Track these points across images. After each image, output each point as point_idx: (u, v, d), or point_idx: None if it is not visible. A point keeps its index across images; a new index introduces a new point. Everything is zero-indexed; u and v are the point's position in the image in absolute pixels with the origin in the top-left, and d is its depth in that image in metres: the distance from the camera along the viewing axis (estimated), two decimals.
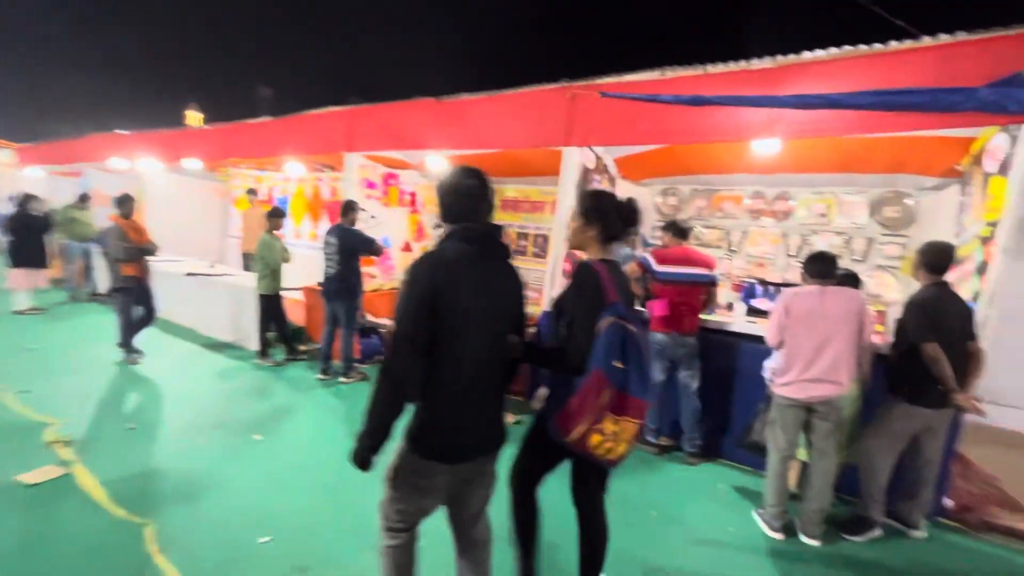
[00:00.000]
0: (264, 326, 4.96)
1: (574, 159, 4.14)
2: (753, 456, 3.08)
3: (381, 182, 5.83)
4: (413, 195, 6.32)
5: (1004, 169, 2.85)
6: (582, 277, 1.63)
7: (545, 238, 7.36)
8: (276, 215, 4.99)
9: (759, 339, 3.40)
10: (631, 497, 2.93)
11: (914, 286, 2.81)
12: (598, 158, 4.51)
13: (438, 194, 1.50)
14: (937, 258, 2.64)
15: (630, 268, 3.45)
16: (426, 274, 1.34)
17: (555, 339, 1.67)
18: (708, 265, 3.38)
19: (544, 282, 4.25)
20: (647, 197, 6.25)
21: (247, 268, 6.79)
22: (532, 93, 4.28)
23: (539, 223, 7.40)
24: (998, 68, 2.54)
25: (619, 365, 1.49)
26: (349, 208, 4.58)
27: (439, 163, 5.21)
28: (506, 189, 7.56)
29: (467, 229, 1.44)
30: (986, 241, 2.91)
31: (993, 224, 2.87)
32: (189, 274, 6.06)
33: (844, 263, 5.19)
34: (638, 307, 3.63)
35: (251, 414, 3.76)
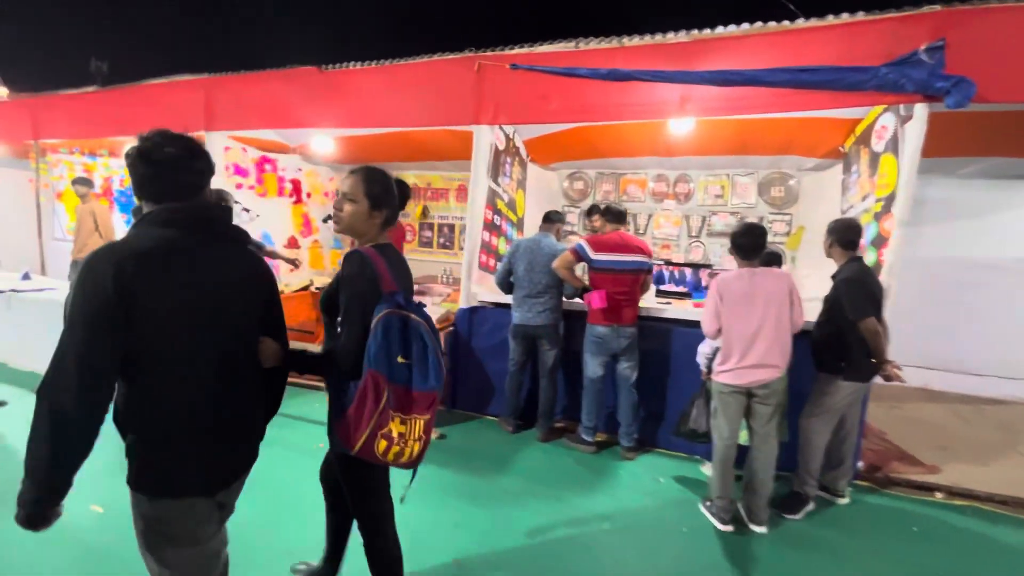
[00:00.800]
0: None
1: (485, 139, 3.76)
2: (689, 443, 3.02)
3: (254, 168, 4.93)
4: (296, 183, 5.47)
5: (891, 147, 3.03)
6: (353, 267, 1.45)
7: (451, 227, 6.90)
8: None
9: (691, 323, 3.35)
10: (579, 508, 2.68)
11: (804, 261, 2.89)
12: (508, 138, 4.17)
13: (126, 164, 1.19)
14: (848, 234, 2.70)
15: (564, 257, 3.18)
16: (106, 273, 1.04)
17: (328, 340, 1.53)
18: (644, 251, 3.22)
19: (462, 274, 3.84)
20: (555, 182, 6.08)
21: None
22: (434, 63, 3.80)
23: (443, 212, 6.92)
24: (897, 47, 2.64)
25: (403, 360, 1.38)
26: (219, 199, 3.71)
27: (325, 145, 4.50)
28: (405, 176, 6.94)
29: (170, 211, 1.16)
30: (879, 216, 3.09)
31: (884, 199, 3.05)
32: None
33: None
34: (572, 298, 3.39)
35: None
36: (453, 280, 6.36)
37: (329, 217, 6.42)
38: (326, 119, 4.20)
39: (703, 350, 2.89)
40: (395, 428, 1.37)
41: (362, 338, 1.38)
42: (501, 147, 4.03)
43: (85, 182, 5.73)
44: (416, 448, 1.43)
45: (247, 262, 1.30)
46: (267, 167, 5.03)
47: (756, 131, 4.34)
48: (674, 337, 3.40)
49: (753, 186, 5.42)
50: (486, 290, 3.93)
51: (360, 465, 1.47)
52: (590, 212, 4.73)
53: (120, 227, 6.46)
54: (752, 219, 5.42)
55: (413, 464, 1.46)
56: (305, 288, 4.87)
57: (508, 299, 3.69)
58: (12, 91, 6.36)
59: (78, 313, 1.04)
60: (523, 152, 4.72)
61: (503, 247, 4.32)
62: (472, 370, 3.86)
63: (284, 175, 5.30)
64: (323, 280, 5.07)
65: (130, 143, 1.18)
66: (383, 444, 1.36)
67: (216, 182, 4.16)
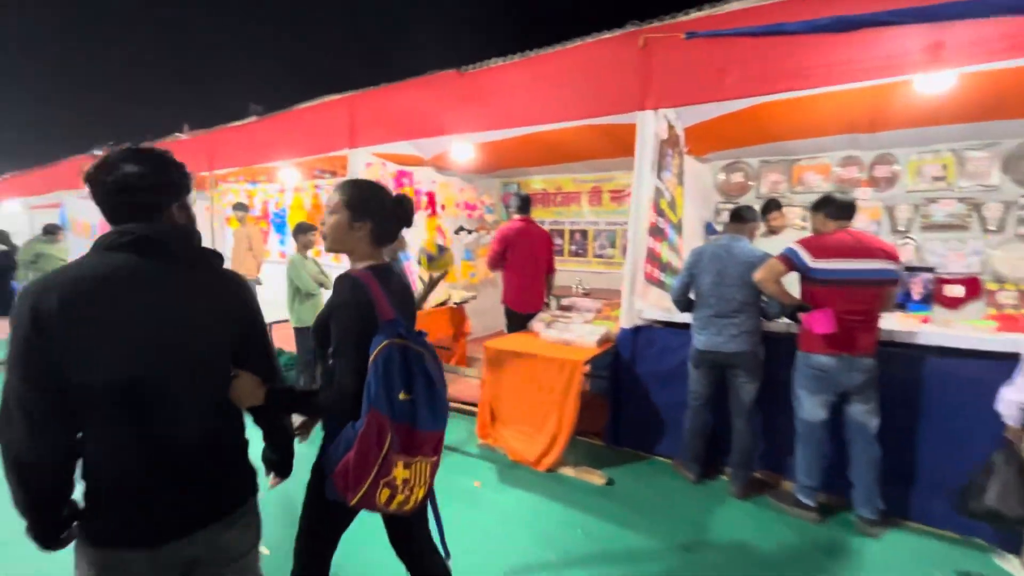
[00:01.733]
0: (299, 368, 3.99)
1: (650, 128, 3.17)
2: (972, 522, 2.13)
3: (393, 183, 4.88)
4: (431, 196, 5.37)
5: None
6: (343, 293, 1.31)
7: (583, 233, 6.39)
8: (303, 230, 4.01)
9: (956, 352, 2.43)
10: None
11: None
12: (671, 126, 3.53)
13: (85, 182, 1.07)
14: None
15: (770, 267, 2.48)
16: (23, 309, 0.94)
17: (322, 374, 1.41)
18: (890, 255, 2.39)
19: (623, 288, 3.28)
20: (707, 175, 5.26)
21: None
22: (587, 47, 3.31)
23: (575, 217, 6.43)
24: None
25: (404, 397, 1.24)
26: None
27: (462, 152, 4.25)
28: (531, 181, 6.60)
29: (118, 233, 1.03)
30: None
31: None
32: None
33: (972, 236, 4.22)
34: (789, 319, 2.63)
35: None
36: (584, 291, 5.83)
37: (461, 228, 6.31)
38: (466, 124, 3.93)
39: (1011, 397, 2.00)
40: (399, 474, 1.24)
41: (358, 372, 1.24)
42: (664, 136, 3.41)
43: (242, 207, 6.26)
44: (420, 494, 1.30)
45: (213, 289, 1.15)
46: (404, 181, 4.97)
47: (1000, 87, 3.15)
48: (930, 369, 2.49)
49: (994, 161, 4.10)
50: (650, 306, 3.33)
51: (338, 509, 1.32)
52: (767, 208, 3.90)
53: (275, 247, 7.02)
54: (993, 205, 4.11)
55: (415, 510, 1.34)
56: (442, 304, 4.69)
57: (682, 317, 3.06)
58: (191, 129, 7.19)
59: (10, 353, 0.96)
60: (682, 142, 4.05)
61: (666, 254, 3.68)
62: (637, 400, 3.27)
63: (420, 188, 5.21)
64: (461, 294, 4.87)
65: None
66: (386, 493, 1.23)
67: None
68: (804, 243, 2.49)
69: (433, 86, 4.03)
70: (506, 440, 3.20)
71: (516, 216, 4.12)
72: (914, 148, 4.37)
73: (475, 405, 4.02)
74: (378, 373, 1.20)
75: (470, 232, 6.06)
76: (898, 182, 4.47)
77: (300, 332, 3.91)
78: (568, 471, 3.02)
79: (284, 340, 4.91)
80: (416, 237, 5.38)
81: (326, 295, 4.37)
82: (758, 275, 2.50)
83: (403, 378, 1.24)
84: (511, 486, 2.92)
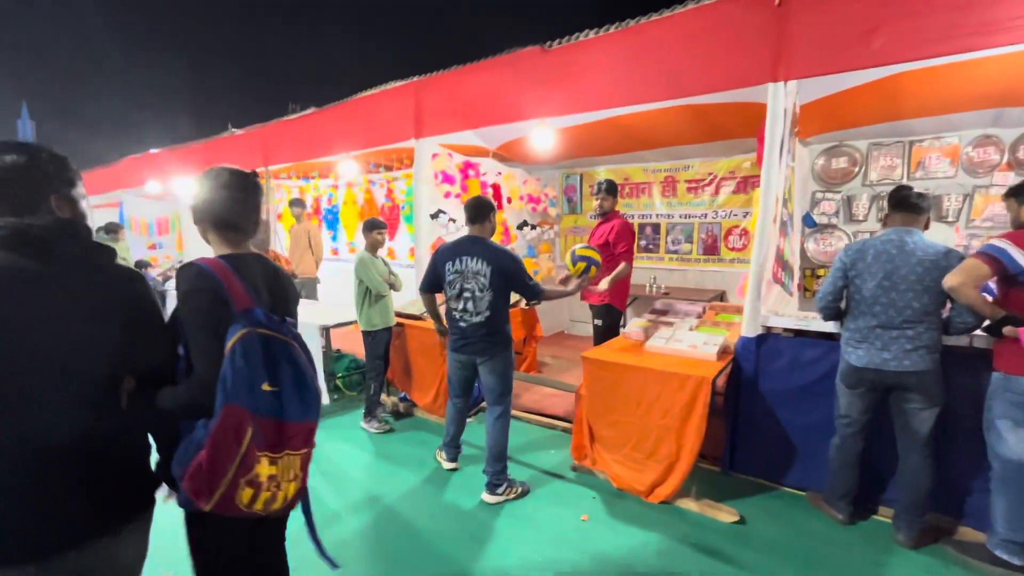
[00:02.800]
0: (371, 375, 3.72)
1: (780, 104, 2.70)
2: None
3: (459, 175, 4.54)
4: (496, 188, 5.00)
5: None
6: (186, 282, 1.20)
7: (655, 227, 5.90)
8: (373, 227, 3.63)
9: None
10: None
11: None
12: (794, 102, 3.03)
13: None
14: None
15: (971, 268, 1.98)
16: None
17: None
18: None
19: (747, 290, 2.82)
20: (806, 159, 4.69)
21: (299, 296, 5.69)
22: (704, 11, 2.84)
23: (645, 209, 5.95)
24: None
25: (268, 388, 1.16)
26: (485, 211, 2.81)
27: (545, 139, 3.85)
28: (596, 172, 6.14)
29: (10, 228, 1.01)
30: None
31: None
32: None
33: None
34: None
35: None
36: (661, 291, 5.35)
37: (525, 223, 5.91)
38: (550, 107, 3.53)
39: None
40: (264, 471, 1.16)
41: (212, 366, 1.15)
42: (790, 112, 2.91)
43: (300, 203, 6.07)
44: (291, 490, 1.24)
45: (95, 288, 1.10)
46: (470, 172, 4.62)
47: None
48: None
49: None
50: (778, 311, 2.87)
51: (216, 527, 1.22)
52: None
53: (328, 244, 6.83)
54: None
55: (283, 511, 1.27)
56: (514, 305, 4.33)
57: (822, 326, 2.59)
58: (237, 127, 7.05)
59: None
60: (795, 121, 3.53)
61: (787, 251, 3.19)
62: (761, 422, 2.81)
63: (486, 180, 4.86)
64: None
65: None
66: (248, 493, 1.14)
67: (426, 194, 3.70)
68: (1013, 239, 1.98)
69: (511, 67, 3.64)
70: (608, 464, 2.81)
71: (614, 209, 3.82)
72: None
73: (561, 419, 3.67)
74: (235, 364, 1.13)
75: (533, 228, 5.67)
76: None
77: (369, 336, 3.63)
78: (689, 504, 2.60)
79: (350, 343, 4.67)
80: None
81: (396, 297, 4.13)
82: (954, 280, 2.01)
83: (267, 368, 1.17)
84: (624, 521, 2.53)
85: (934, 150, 4.21)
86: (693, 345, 2.83)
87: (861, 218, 4.51)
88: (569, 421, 3.68)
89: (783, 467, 2.80)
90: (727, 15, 2.76)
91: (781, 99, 2.68)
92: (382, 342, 3.72)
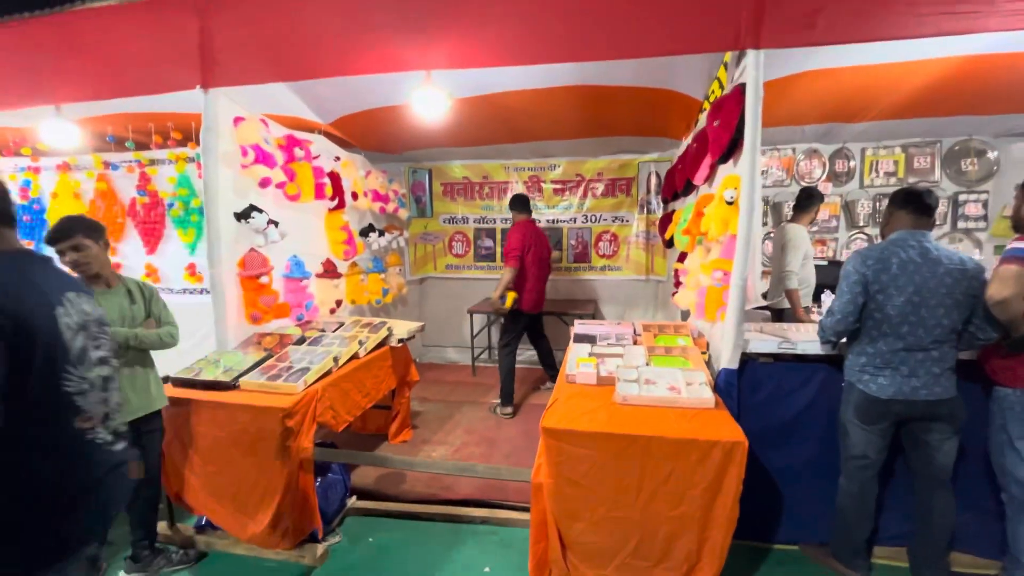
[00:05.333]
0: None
1: (751, 76, 2.18)
2: None
3: (280, 154, 3.01)
4: (335, 178, 3.56)
5: None
6: None
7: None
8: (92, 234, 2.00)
9: None
10: None
11: None
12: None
13: None
14: None
15: (1017, 275, 1.69)
16: None
17: None
18: None
19: (727, 313, 2.23)
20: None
21: None
22: None
23: (508, 212, 5.19)
24: None
25: None
26: None
27: (433, 103, 2.71)
28: (452, 167, 5.17)
29: None
30: None
31: None
32: None
33: None
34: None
35: None
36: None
37: (371, 228, 4.43)
38: (430, 56, 2.43)
39: None
40: None
41: None
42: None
43: None
44: None
45: None
46: (298, 152, 3.11)
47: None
48: None
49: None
50: (760, 334, 2.39)
51: None
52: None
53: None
54: None
55: None
56: (382, 344, 3.04)
57: (813, 349, 2.19)
58: None
59: None
60: None
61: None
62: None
63: (320, 165, 3.39)
64: (406, 327, 3.25)
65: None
66: None
67: (227, 177, 2.10)
68: None
69: None
70: None
71: (520, 216, 3.89)
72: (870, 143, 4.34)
73: (482, 504, 2.59)
74: None
75: (381, 233, 4.37)
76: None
77: None
78: None
79: None
80: (313, 241, 3.55)
81: (168, 356, 2.40)
82: (1003, 291, 1.70)
83: None
84: None
85: (774, 160, 4.53)
86: (673, 387, 2.12)
87: None
88: (501, 506, 2.64)
89: (771, 522, 2.32)
90: None
91: (752, 70, 2.17)
92: (152, 437, 2.08)
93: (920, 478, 2.02)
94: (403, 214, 4.75)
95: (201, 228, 3.12)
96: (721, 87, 2.71)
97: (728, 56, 2.47)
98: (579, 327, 3.02)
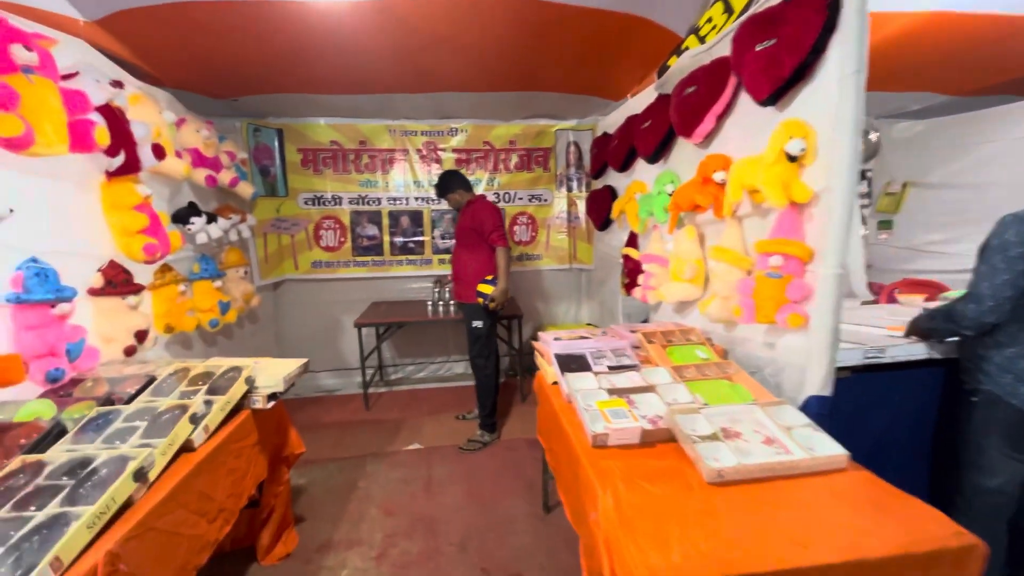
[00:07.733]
0: None
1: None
2: None
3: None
4: (114, 116, 2.00)
5: None
6: None
7: (415, 217, 4.05)
8: None
9: None
10: None
11: None
12: None
13: None
14: None
15: None
16: None
17: None
18: None
19: (825, 312, 1.53)
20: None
21: None
22: None
23: (396, 191, 3.98)
24: None
25: None
26: None
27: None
28: (314, 127, 3.76)
29: None
30: None
31: None
32: None
33: None
34: None
35: None
36: (438, 308, 3.65)
37: (194, 208, 2.67)
38: None
39: None
40: None
41: None
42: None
43: None
44: None
45: None
46: (20, 54, 1.56)
47: None
48: None
49: None
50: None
51: None
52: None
53: None
54: None
55: None
56: (236, 410, 1.69)
57: (905, 354, 1.64)
58: None
59: None
60: None
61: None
62: None
63: (70, 86, 1.81)
64: (280, 370, 1.92)
65: None
66: None
67: None
68: None
69: None
70: None
71: (469, 195, 3.16)
72: None
73: None
74: None
75: (211, 219, 2.83)
76: None
77: None
78: None
79: None
80: (65, 223, 1.98)
81: None
82: None
83: None
84: None
85: None
86: (771, 440, 1.36)
87: None
88: None
89: None
90: None
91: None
92: None
93: None
94: (245, 190, 3.21)
95: None
96: (730, 10, 2.03)
97: None
98: (554, 345, 2.09)
